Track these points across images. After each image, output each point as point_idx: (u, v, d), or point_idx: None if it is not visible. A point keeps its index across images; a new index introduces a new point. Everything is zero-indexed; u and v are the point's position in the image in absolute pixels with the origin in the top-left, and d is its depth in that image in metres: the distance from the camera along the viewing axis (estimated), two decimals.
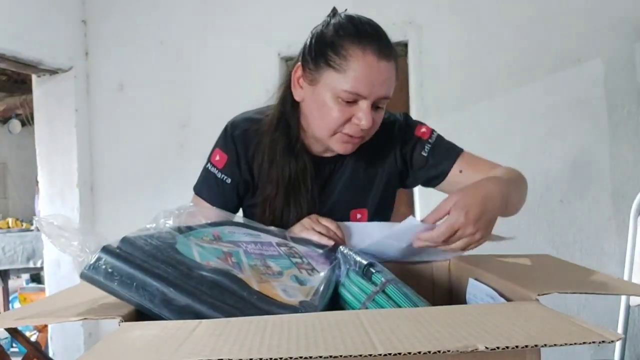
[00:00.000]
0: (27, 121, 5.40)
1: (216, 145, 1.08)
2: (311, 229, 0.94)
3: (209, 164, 1.08)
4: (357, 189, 1.08)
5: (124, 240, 0.65)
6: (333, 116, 0.92)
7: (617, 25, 2.21)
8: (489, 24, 2.38)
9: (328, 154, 1.06)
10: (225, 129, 1.07)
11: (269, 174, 1.02)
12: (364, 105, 0.91)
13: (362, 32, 0.92)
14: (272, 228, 0.92)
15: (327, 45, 0.93)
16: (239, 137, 1.05)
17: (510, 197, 0.84)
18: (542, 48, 2.31)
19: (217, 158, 1.06)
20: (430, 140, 1.07)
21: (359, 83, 0.90)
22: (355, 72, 0.90)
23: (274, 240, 0.86)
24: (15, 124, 6.12)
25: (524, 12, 2.33)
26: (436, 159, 1.06)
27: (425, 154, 1.06)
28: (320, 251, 0.87)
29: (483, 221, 0.76)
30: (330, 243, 0.90)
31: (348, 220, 1.05)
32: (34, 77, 3.04)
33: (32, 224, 4.12)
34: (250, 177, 1.06)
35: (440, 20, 2.45)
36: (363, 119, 0.91)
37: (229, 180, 1.06)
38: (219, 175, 1.06)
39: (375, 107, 0.93)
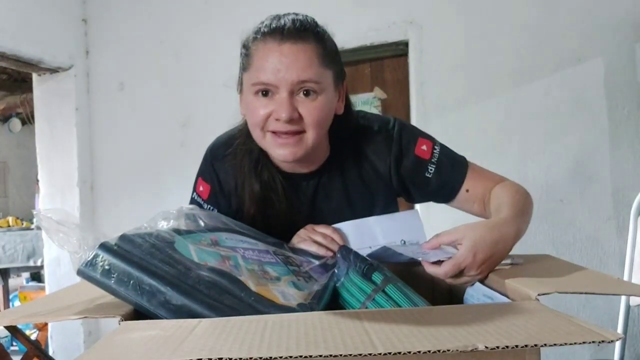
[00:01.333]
0: (28, 120, 5.40)
1: (198, 174, 1.07)
2: (308, 239, 0.92)
3: (194, 194, 1.07)
4: (350, 204, 1.02)
5: (123, 237, 0.65)
6: (255, 113, 0.89)
7: (617, 25, 2.21)
8: (490, 24, 2.38)
9: (302, 170, 1.00)
10: (205, 157, 1.06)
11: (244, 197, 1.00)
12: (280, 95, 0.86)
13: (265, 27, 0.89)
14: (269, 238, 0.91)
15: (241, 54, 0.93)
16: (218, 165, 1.03)
17: (522, 232, 0.82)
18: (542, 48, 2.30)
19: (201, 189, 1.05)
20: (433, 160, 0.99)
21: (261, 72, 0.87)
22: (257, 62, 0.88)
23: (271, 249, 0.85)
24: (15, 123, 6.13)
25: (524, 11, 2.33)
26: (442, 179, 0.99)
27: (429, 176, 0.99)
28: (317, 262, 0.85)
29: (488, 264, 0.75)
30: (329, 254, 0.88)
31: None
32: (34, 75, 3.04)
33: (32, 223, 4.12)
34: (236, 203, 1.03)
35: (441, 20, 2.45)
36: (278, 109, 0.86)
37: (215, 211, 1.04)
38: (205, 206, 1.05)
39: (304, 94, 0.87)
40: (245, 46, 0.92)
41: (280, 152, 0.90)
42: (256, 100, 0.89)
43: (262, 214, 0.99)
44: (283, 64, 0.85)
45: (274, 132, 0.89)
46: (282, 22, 0.88)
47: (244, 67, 0.92)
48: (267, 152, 0.97)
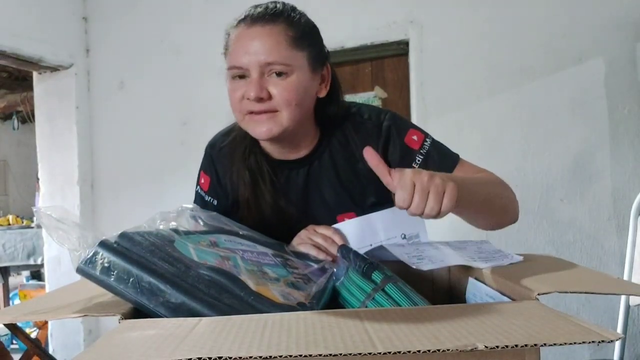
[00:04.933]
0: (28, 118, 5.40)
1: (201, 167, 1.10)
2: (308, 241, 0.92)
3: (197, 187, 1.10)
4: (342, 191, 1.01)
5: (122, 235, 0.65)
6: (232, 95, 0.92)
7: (618, 25, 2.21)
8: (490, 23, 2.38)
9: (291, 157, 1.01)
10: (206, 150, 1.08)
11: (239, 186, 1.02)
12: (251, 76, 0.89)
13: (242, 15, 0.93)
14: (269, 239, 0.91)
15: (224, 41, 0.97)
16: (217, 158, 1.06)
17: (469, 187, 0.81)
18: (543, 47, 2.30)
19: (202, 181, 1.09)
20: (422, 151, 0.98)
21: (234, 56, 0.91)
22: (231, 47, 0.92)
23: (270, 251, 0.85)
24: (16, 121, 6.12)
25: (525, 11, 2.33)
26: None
27: (415, 167, 0.96)
28: (316, 266, 0.85)
29: (437, 175, 0.72)
30: (328, 259, 0.88)
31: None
32: (35, 74, 3.05)
33: (32, 221, 4.12)
34: (233, 194, 1.04)
35: (442, 19, 2.45)
36: (248, 89, 0.89)
37: (215, 202, 1.07)
38: (206, 197, 1.08)
39: (276, 74, 0.89)
40: (226, 33, 0.95)
41: (257, 129, 0.92)
42: (233, 83, 0.92)
43: (255, 204, 1.00)
44: (252, 45, 0.89)
45: (250, 113, 0.91)
46: (257, 9, 0.92)
47: (224, 54, 0.95)
48: (264, 143, 0.99)
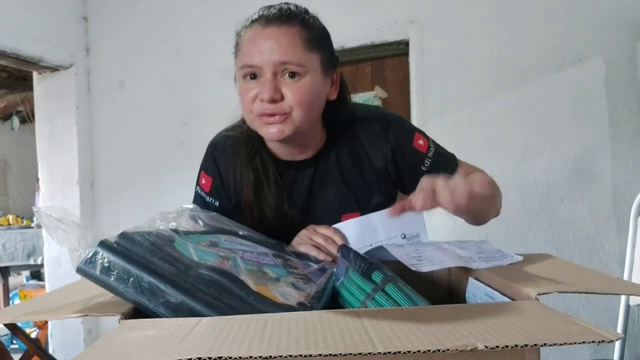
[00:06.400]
0: (28, 118, 5.40)
1: (201, 168, 1.09)
2: (309, 241, 0.92)
3: (197, 187, 1.09)
4: (346, 192, 1.02)
5: (122, 235, 0.65)
6: (243, 96, 0.92)
7: (618, 24, 2.21)
8: (490, 23, 2.38)
9: (297, 157, 1.02)
10: (207, 150, 1.08)
11: (242, 185, 1.02)
12: (264, 76, 0.89)
13: (255, 15, 0.93)
14: (269, 239, 0.91)
15: (234, 43, 0.96)
16: (219, 158, 1.05)
17: (479, 202, 0.84)
18: (543, 47, 2.30)
19: (204, 182, 1.08)
20: (429, 154, 1.02)
21: (247, 55, 0.90)
22: (244, 46, 0.91)
23: (270, 251, 0.85)
24: (16, 121, 6.13)
25: (524, 11, 2.33)
26: (436, 174, 1.00)
27: (424, 169, 1.01)
28: (316, 266, 0.85)
29: (453, 184, 0.77)
30: (328, 259, 0.88)
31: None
32: (35, 74, 3.05)
33: (32, 221, 4.12)
34: (235, 194, 1.04)
35: (442, 19, 2.45)
36: (261, 89, 0.89)
37: (217, 203, 1.06)
38: (207, 199, 1.07)
39: (289, 76, 0.89)
40: (237, 34, 0.95)
41: (269, 131, 0.91)
42: (245, 84, 0.91)
43: (258, 206, 1.00)
44: (266, 45, 0.88)
45: (262, 115, 0.91)
46: (271, 9, 0.92)
47: (235, 53, 0.95)
48: (264, 138, 0.98)
